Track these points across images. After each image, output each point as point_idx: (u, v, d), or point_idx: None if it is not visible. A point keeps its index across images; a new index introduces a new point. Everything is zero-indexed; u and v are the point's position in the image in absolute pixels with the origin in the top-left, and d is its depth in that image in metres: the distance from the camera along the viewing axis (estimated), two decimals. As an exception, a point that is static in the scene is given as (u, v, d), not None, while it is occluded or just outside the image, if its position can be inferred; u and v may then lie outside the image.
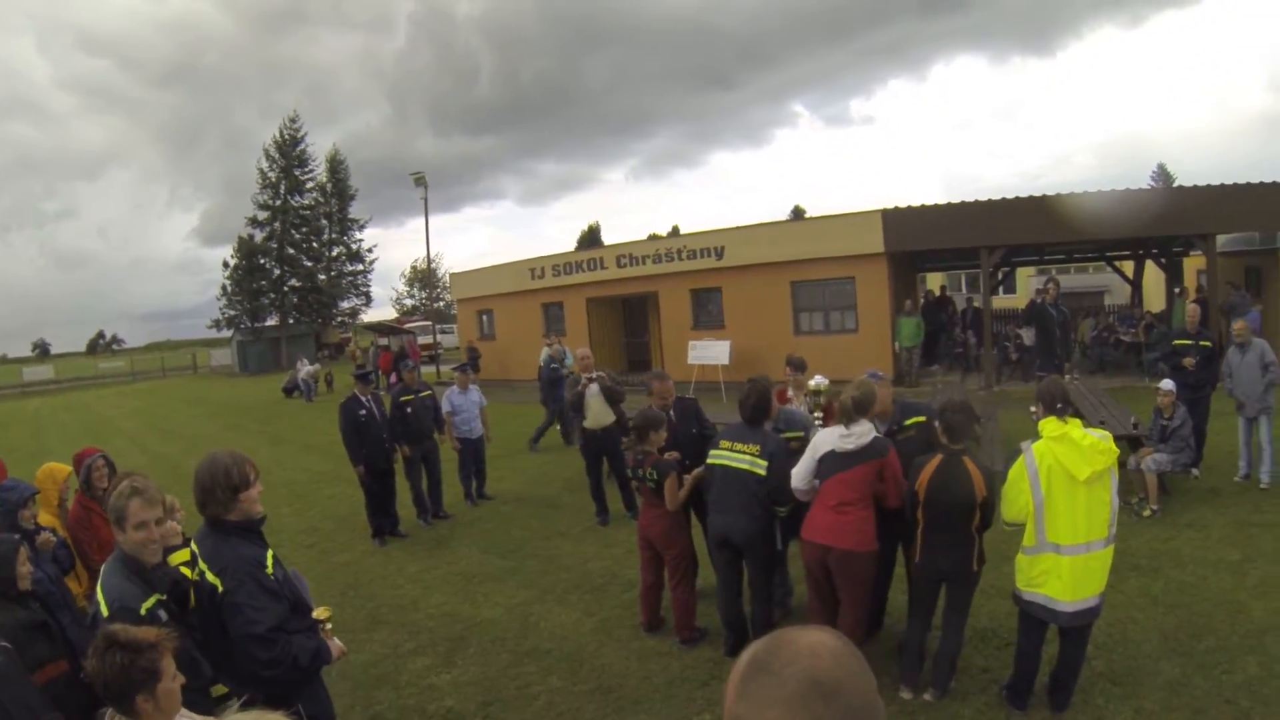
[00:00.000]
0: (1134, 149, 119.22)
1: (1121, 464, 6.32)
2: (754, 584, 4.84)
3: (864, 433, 4.26)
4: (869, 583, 4.44)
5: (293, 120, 44.25)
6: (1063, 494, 3.84)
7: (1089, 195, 14.65)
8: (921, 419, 4.82)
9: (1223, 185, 14.10)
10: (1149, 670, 4.43)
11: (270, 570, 2.82)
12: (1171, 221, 14.59)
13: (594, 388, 7.69)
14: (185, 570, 3.11)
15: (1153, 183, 43.30)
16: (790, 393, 6.03)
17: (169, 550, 3.10)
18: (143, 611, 2.60)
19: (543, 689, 4.71)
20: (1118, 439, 4.63)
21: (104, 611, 2.61)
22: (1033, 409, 4.26)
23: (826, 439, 4.37)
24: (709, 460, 4.89)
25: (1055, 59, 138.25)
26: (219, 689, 2.73)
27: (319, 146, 63.09)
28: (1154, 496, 7.03)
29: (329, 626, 2.97)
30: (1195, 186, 14.71)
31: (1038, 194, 15.15)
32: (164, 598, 2.73)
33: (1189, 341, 8.11)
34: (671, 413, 6.06)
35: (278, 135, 43.87)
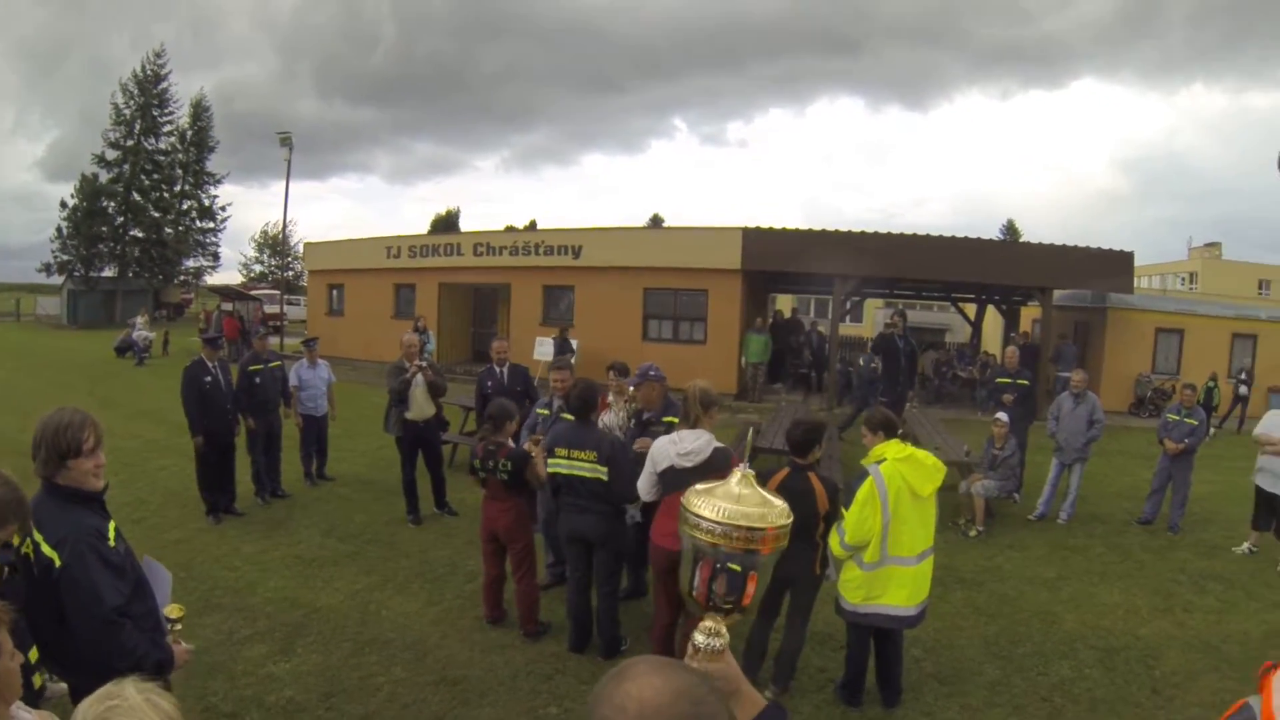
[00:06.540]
0: (985, 203, 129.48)
1: (951, 488, 6.84)
2: (601, 578, 4.87)
3: (701, 448, 4.21)
4: None
5: (157, 55, 40.36)
6: (908, 510, 4.09)
7: (952, 240, 15.72)
8: (676, 420, 4.91)
9: (1064, 246, 15.49)
10: (973, 671, 4.81)
11: (112, 542, 2.51)
12: (1017, 272, 15.91)
13: (419, 378, 7.46)
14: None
15: (1001, 235, 47.11)
16: (610, 398, 5.92)
17: None
18: None
19: (386, 680, 4.53)
20: (950, 464, 5.05)
21: None
22: (864, 435, 4.43)
23: (664, 453, 4.28)
24: (550, 469, 4.89)
25: (926, 114, 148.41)
26: (37, 678, 2.40)
27: (188, 89, 57.58)
28: (980, 519, 7.65)
29: (179, 628, 2.64)
30: (1041, 244, 16.08)
31: (895, 231, 16.15)
32: None
33: (1008, 380, 8.99)
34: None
35: (138, 70, 39.93)
